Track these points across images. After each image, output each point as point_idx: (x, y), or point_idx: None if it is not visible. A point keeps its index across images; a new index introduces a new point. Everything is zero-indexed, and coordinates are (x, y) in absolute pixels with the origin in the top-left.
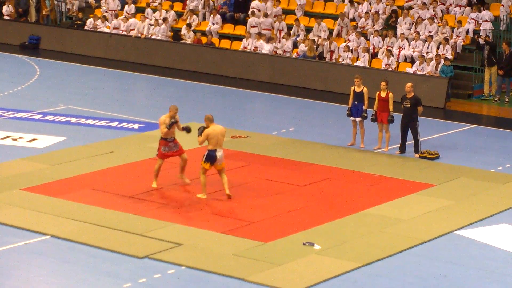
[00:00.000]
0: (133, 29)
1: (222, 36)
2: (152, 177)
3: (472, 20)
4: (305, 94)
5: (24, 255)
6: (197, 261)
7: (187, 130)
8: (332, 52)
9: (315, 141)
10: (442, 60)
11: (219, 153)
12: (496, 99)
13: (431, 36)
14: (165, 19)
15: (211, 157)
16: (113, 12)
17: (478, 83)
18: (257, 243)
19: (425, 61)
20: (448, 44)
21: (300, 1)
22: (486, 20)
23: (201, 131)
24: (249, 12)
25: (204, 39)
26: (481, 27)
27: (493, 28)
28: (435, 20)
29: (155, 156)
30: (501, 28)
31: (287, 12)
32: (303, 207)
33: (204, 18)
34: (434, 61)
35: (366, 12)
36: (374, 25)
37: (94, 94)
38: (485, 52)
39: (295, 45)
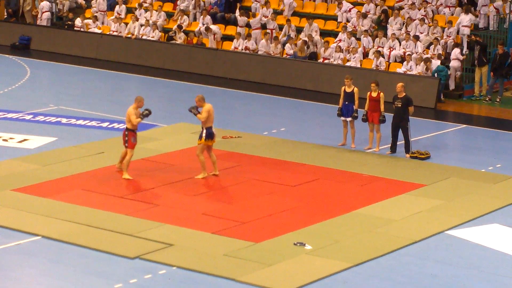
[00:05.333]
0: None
1: None
2: (123, 169)
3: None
4: (296, 94)
5: (15, 256)
6: (188, 261)
7: (149, 113)
8: (325, 59)
9: (306, 141)
10: (433, 60)
11: (214, 129)
12: (487, 99)
13: (416, 36)
14: (154, 24)
15: (211, 134)
16: (104, 12)
17: (469, 83)
18: (248, 243)
19: (412, 60)
20: (439, 44)
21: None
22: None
23: (195, 108)
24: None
25: (195, 40)
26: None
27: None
28: (426, 21)
29: (125, 148)
30: (492, 28)
31: (278, 12)
32: (294, 207)
33: (195, 19)
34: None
35: (357, 11)
36: (364, 25)
37: (85, 94)
38: (476, 52)
39: (284, 45)
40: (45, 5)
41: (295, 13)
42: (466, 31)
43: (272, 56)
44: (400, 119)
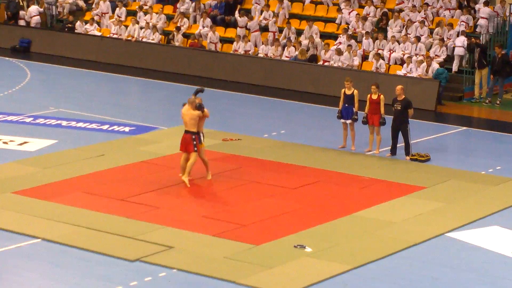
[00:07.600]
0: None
1: None
2: (187, 172)
3: (462, 23)
4: (296, 96)
5: (15, 259)
6: (188, 264)
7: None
8: (325, 61)
9: (306, 144)
10: (433, 62)
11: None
12: (487, 101)
13: (418, 38)
14: (154, 27)
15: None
16: (105, 14)
17: (469, 86)
18: (248, 246)
19: (413, 62)
20: (444, 46)
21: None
22: (483, 17)
23: (200, 105)
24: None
25: (196, 41)
26: (478, 23)
27: (487, 26)
28: (426, 23)
29: (192, 152)
30: (492, 30)
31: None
32: (294, 210)
33: (195, 21)
34: (424, 63)
35: (357, 14)
36: (364, 28)
37: (85, 97)
38: (476, 54)
39: (284, 47)
40: (33, 10)
41: (295, 16)
42: (462, 29)
43: (272, 59)
44: (400, 122)
